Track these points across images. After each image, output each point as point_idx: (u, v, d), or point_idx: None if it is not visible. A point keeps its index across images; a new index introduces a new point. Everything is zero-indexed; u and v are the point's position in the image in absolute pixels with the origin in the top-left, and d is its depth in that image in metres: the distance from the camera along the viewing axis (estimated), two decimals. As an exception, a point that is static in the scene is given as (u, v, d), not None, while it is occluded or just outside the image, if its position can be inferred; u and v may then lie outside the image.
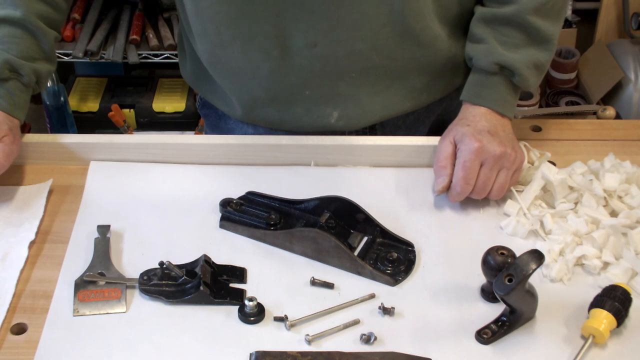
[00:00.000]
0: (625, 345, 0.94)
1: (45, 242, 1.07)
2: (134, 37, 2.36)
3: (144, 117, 2.49)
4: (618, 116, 2.26)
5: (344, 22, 1.13)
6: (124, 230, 1.08)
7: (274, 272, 1.03)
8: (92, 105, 2.49)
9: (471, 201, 1.13)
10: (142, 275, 1.00)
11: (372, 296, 0.99)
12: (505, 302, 0.92)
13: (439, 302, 0.99)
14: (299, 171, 1.19)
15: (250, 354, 0.91)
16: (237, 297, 0.98)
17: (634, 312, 0.96)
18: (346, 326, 0.95)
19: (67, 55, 2.31)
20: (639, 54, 2.34)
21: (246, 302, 0.95)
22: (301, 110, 1.22)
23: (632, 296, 0.96)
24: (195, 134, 2.42)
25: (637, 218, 1.07)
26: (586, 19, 2.55)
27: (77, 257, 1.04)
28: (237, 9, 1.13)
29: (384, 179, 1.18)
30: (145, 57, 2.36)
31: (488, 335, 0.94)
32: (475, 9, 1.21)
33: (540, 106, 2.44)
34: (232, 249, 1.06)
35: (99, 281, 0.99)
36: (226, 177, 1.17)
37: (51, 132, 2.33)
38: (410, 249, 1.05)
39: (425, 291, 1.00)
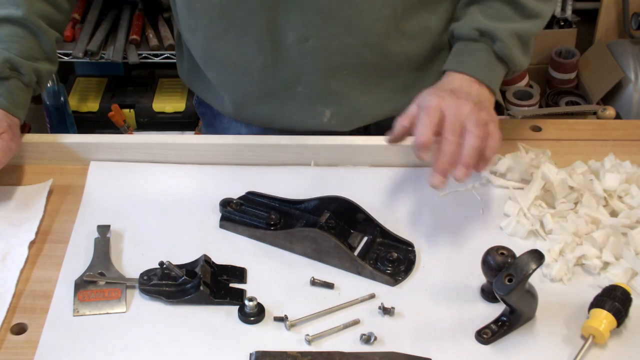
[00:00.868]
0: (625, 345, 0.94)
1: (45, 242, 1.07)
2: (134, 37, 2.36)
3: (144, 117, 2.49)
4: (618, 116, 2.26)
5: (337, 16, 1.13)
6: (124, 230, 1.08)
7: (274, 272, 1.03)
8: (92, 105, 2.49)
9: (471, 201, 1.13)
10: (142, 275, 1.00)
11: (372, 296, 0.99)
12: (505, 302, 0.92)
13: (439, 302, 0.99)
14: (299, 171, 1.19)
15: (250, 354, 0.91)
16: (237, 297, 0.98)
17: (634, 312, 0.96)
18: (346, 326, 0.95)
19: (67, 55, 2.31)
20: (639, 54, 2.34)
21: (246, 302, 0.95)
22: (293, 108, 1.23)
23: (632, 296, 0.96)
24: (195, 134, 2.42)
25: (637, 218, 1.07)
26: (586, 19, 2.55)
27: (77, 257, 1.04)
28: (230, 2, 1.13)
29: (384, 179, 1.18)
30: (145, 57, 2.36)
31: (488, 335, 0.94)
32: None
33: (540, 106, 2.44)
34: (232, 249, 1.06)
35: (99, 281, 0.99)
36: (226, 177, 1.17)
37: (51, 132, 2.33)
38: (410, 249, 1.05)
39: (425, 291, 1.00)
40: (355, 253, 1.03)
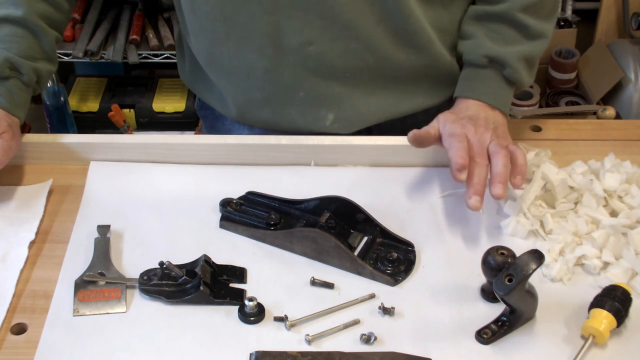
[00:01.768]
0: (625, 345, 0.94)
1: (45, 242, 1.07)
2: (134, 37, 2.36)
3: (144, 117, 2.49)
4: (618, 116, 2.27)
5: (339, 20, 1.13)
6: (124, 230, 1.08)
7: (274, 272, 1.03)
8: (92, 105, 2.49)
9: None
10: (142, 275, 1.00)
11: (372, 296, 0.99)
12: (505, 302, 0.92)
13: (439, 302, 0.99)
14: (299, 171, 1.19)
15: (250, 354, 0.91)
16: (237, 297, 0.98)
17: (634, 312, 0.96)
18: (346, 326, 0.95)
19: (67, 55, 2.31)
20: (639, 54, 2.34)
21: (246, 302, 0.95)
22: (295, 113, 1.23)
23: (632, 296, 0.96)
24: (195, 134, 2.42)
25: (637, 218, 1.07)
26: (586, 19, 2.56)
27: (77, 257, 1.04)
28: (232, 6, 1.13)
29: (384, 179, 1.18)
30: (145, 57, 2.36)
31: (488, 335, 0.94)
32: (468, 8, 1.21)
33: (540, 106, 2.44)
34: (232, 249, 1.06)
35: (99, 281, 0.99)
36: (226, 177, 1.17)
37: (51, 132, 2.33)
38: (410, 249, 1.05)
39: (425, 291, 1.00)
40: (355, 253, 1.03)
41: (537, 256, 0.90)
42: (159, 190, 1.15)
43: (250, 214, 1.09)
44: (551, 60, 2.47)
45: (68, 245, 1.06)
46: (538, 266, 0.89)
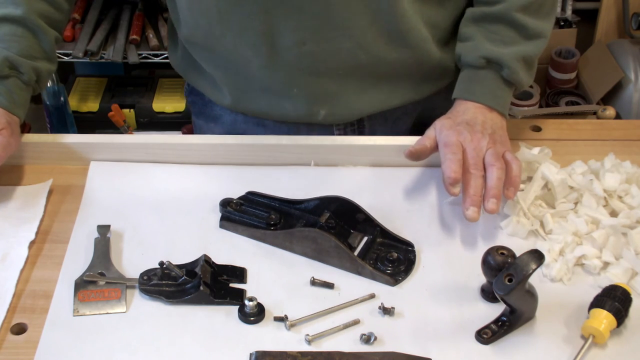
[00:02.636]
0: (625, 345, 0.94)
1: (45, 242, 1.07)
2: (134, 37, 2.36)
3: (144, 117, 2.49)
4: (618, 116, 2.27)
5: (332, 20, 1.13)
6: (124, 230, 1.08)
7: (274, 272, 1.03)
8: (92, 105, 2.49)
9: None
10: (142, 275, 1.00)
11: (372, 296, 0.99)
12: (505, 302, 0.92)
13: (439, 302, 0.99)
14: (299, 171, 1.19)
15: (250, 354, 0.91)
16: (237, 297, 0.98)
17: (634, 312, 0.96)
18: (346, 326, 0.95)
19: (67, 55, 2.31)
20: (639, 54, 2.34)
21: (246, 302, 0.95)
22: (289, 107, 1.24)
23: (632, 296, 0.96)
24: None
25: (637, 218, 1.07)
26: (586, 19, 2.55)
27: (77, 257, 1.04)
28: (227, 4, 1.14)
29: (384, 179, 1.18)
30: (145, 57, 2.36)
31: (488, 335, 0.94)
32: (466, 10, 1.22)
33: (540, 106, 2.44)
34: (232, 249, 1.06)
35: (99, 281, 0.99)
36: (226, 177, 1.17)
37: (51, 132, 2.33)
38: (410, 249, 1.05)
39: (425, 291, 1.00)
40: (355, 253, 1.03)
41: (537, 256, 0.90)
42: (159, 190, 1.15)
43: (250, 214, 1.09)
44: (551, 60, 2.47)
45: (68, 245, 1.06)
46: (538, 266, 0.89)
